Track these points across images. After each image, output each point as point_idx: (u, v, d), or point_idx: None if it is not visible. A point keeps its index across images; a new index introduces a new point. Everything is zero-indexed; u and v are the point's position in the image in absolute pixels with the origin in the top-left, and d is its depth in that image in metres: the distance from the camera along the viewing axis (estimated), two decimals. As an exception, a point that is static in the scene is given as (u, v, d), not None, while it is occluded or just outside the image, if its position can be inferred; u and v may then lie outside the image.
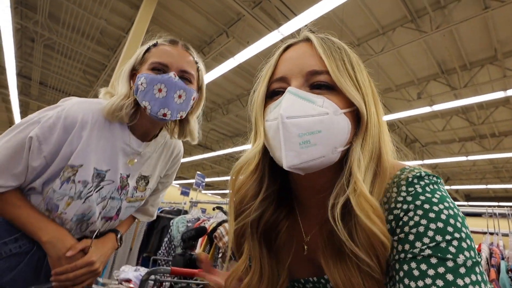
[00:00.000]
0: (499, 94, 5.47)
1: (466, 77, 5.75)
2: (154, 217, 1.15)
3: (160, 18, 5.61)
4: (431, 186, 0.42)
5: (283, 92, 0.45)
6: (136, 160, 0.90)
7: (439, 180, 0.44)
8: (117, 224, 0.99)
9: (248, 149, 0.49)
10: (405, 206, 0.40)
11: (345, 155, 0.45)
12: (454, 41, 5.05)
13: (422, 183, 0.42)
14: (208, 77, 6.31)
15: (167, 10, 5.48)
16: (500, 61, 5.22)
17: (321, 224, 0.49)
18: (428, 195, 0.40)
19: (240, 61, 5.57)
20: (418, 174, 0.43)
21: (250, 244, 0.51)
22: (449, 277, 0.34)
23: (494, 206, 1.68)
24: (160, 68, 0.82)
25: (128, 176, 0.90)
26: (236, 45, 5.58)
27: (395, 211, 0.41)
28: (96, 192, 0.83)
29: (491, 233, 1.62)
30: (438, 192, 0.41)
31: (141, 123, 0.88)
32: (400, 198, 0.42)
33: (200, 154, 12.03)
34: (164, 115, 0.81)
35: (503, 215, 1.65)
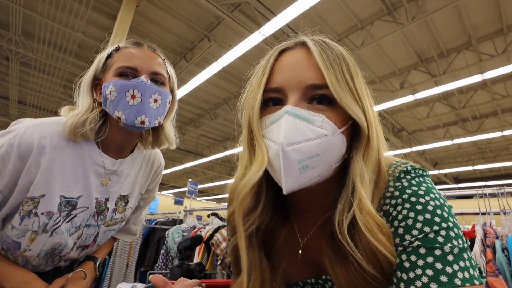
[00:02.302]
0: (476, 78, 5.66)
1: (444, 64, 5.91)
2: (137, 235, 1.07)
3: (138, 26, 5.55)
4: (416, 179, 0.43)
5: (280, 101, 0.45)
6: (110, 180, 0.80)
7: (425, 173, 0.45)
8: (95, 250, 0.90)
9: (248, 165, 0.47)
10: (393, 201, 0.42)
11: (343, 167, 0.45)
12: (430, 31, 5.18)
13: (408, 177, 0.43)
14: (193, 83, 6.28)
15: (146, 18, 5.42)
16: (474, 46, 5.39)
17: (319, 226, 0.50)
18: (414, 188, 0.41)
19: (224, 65, 5.57)
20: (404, 169, 0.44)
21: (249, 255, 0.48)
22: (438, 265, 0.35)
23: (483, 187, 1.73)
24: (128, 73, 0.73)
25: (107, 199, 0.81)
26: (218, 49, 5.56)
27: (385, 207, 0.43)
28: (67, 222, 0.74)
29: (483, 213, 1.66)
30: (423, 185, 0.42)
31: (112, 138, 0.79)
32: (388, 194, 0.43)
33: (192, 161, 11.93)
34: (142, 122, 0.72)
35: (492, 195, 1.70)
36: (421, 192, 0.40)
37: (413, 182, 0.42)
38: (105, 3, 5.18)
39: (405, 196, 0.41)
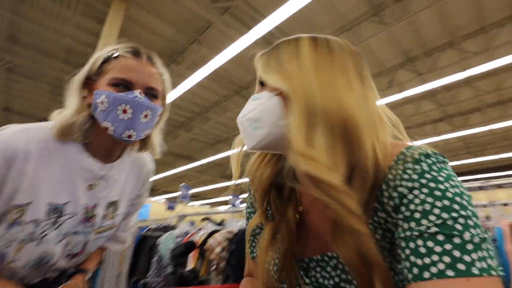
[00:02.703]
0: (460, 75, 5.82)
1: (430, 62, 6.07)
2: (127, 243, 1.03)
3: (128, 30, 5.51)
4: (437, 165, 0.43)
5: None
6: (98, 185, 0.78)
7: (445, 160, 0.45)
8: (84, 259, 0.86)
9: None
10: (410, 184, 0.41)
11: None
12: (415, 30, 5.32)
13: (428, 161, 0.43)
14: (184, 87, 6.27)
15: (135, 22, 5.39)
16: (458, 45, 5.56)
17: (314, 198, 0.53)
18: (434, 173, 0.41)
19: (215, 68, 5.58)
20: (425, 153, 0.44)
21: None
22: (456, 253, 0.35)
23: (471, 180, 1.77)
24: (124, 85, 0.72)
25: (95, 206, 0.79)
26: (209, 52, 5.58)
27: (400, 189, 0.42)
28: (55, 229, 0.71)
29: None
30: (444, 171, 0.42)
31: (100, 142, 0.77)
32: (406, 176, 0.42)
33: (184, 165, 11.85)
34: (130, 136, 0.72)
35: (480, 188, 1.75)
36: (441, 178, 0.40)
37: (434, 167, 0.42)
38: (93, 8, 5.13)
39: (424, 181, 0.40)
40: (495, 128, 8.59)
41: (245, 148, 0.60)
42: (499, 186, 1.82)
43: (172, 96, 6.61)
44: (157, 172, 13.54)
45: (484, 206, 1.73)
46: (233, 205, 4.09)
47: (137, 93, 0.72)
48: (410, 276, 0.37)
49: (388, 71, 6.54)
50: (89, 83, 0.77)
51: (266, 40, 5.28)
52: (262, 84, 0.56)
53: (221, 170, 14.01)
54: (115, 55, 0.76)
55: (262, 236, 0.58)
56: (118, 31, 4.59)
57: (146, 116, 0.73)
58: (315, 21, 5.03)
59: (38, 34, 5.55)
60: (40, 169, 0.68)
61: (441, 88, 7.02)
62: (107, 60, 0.76)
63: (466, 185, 1.78)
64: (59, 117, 0.73)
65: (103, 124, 0.72)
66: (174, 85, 6.35)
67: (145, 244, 3.35)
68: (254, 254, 0.64)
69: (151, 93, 0.77)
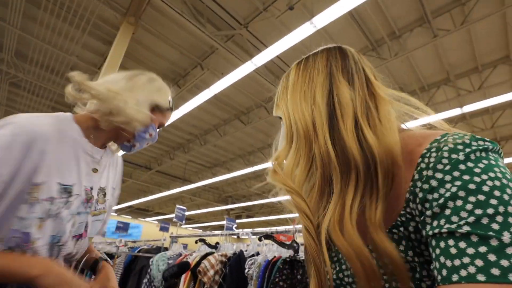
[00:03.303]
0: (456, 111, 5.96)
1: (426, 97, 6.23)
2: (103, 235, 1.16)
3: (133, 52, 5.68)
4: (477, 154, 0.37)
5: None
6: (97, 170, 0.86)
7: (491, 147, 0.38)
8: (87, 243, 0.90)
9: None
10: (441, 176, 0.37)
11: None
12: (411, 66, 5.53)
13: (467, 149, 0.38)
14: (184, 109, 6.36)
15: (140, 45, 5.57)
16: (453, 82, 5.76)
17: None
18: (470, 164, 0.36)
19: (216, 92, 5.70)
20: (462, 140, 0.39)
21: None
22: (491, 257, 0.30)
23: None
24: (160, 127, 0.99)
25: (91, 188, 0.85)
26: (211, 77, 5.73)
27: (431, 181, 0.38)
28: (66, 209, 0.76)
29: None
30: (483, 161, 0.36)
31: (105, 134, 0.88)
32: (440, 166, 0.38)
33: (179, 187, 11.72)
34: (126, 151, 0.98)
35: None
36: (477, 170, 0.35)
37: (471, 156, 0.37)
38: (102, 29, 5.33)
39: (457, 173, 0.36)
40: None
41: None
42: None
43: (172, 117, 6.69)
44: (151, 192, 13.36)
45: None
46: (229, 229, 3.99)
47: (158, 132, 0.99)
48: (439, 277, 0.34)
49: (385, 103, 6.69)
50: (152, 109, 0.94)
51: (267, 68, 5.45)
52: None
53: (217, 194, 13.83)
54: (171, 106, 1.01)
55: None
56: (123, 52, 4.72)
57: (147, 144, 0.98)
58: (315, 53, 5.22)
59: (45, 51, 5.70)
60: (53, 151, 0.73)
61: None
62: (167, 107, 0.98)
63: None
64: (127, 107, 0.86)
65: (134, 140, 0.92)
66: (175, 107, 6.44)
67: (135, 265, 3.27)
68: None
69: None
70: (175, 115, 6.60)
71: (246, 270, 2.16)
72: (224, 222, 4.34)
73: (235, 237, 3.22)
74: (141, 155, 10.34)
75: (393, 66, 5.45)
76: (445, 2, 4.33)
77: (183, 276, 2.61)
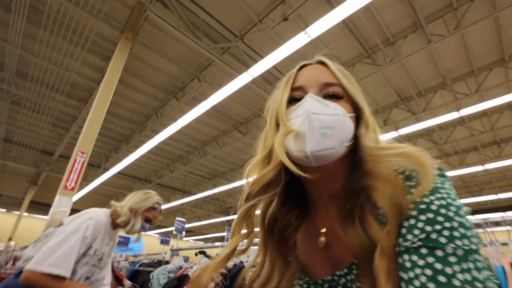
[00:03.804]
0: (453, 115, 5.98)
1: (423, 102, 6.26)
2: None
3: (132, 67, 5.75)
4: None
5: (300, 99, 0.54)
6: (109, 243, 1.62)
7: (439, 172, 0.45)
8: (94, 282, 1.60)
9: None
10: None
11: (349, 153, 0.52)
12: (407, 72, 5.57)
13: (419, 176, 0.44)
14: (183, 121, 6.39)
15: (139, 59, 5.65)
16: (449, 86, 5.79)
17: (335, 215, 0.53)
18: (419, 187, 0.41)
19: (214, 103, 5.74)
20: (413, 168, 0.45)
21: (265, 241, 0.57)
22: (438, 266, 0.35)
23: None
24: (149, 221, 1.71)
25: (103, 253, 1.56)
26: (208, 88, 5.77)
27: None
28: (92, 259, 1.48)
29: None
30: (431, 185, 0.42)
31: (114, 222, 1.62)
32: None
33: (179, 199, 11.65)
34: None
35: (478, 225, 1.73)
36: (426, 192, 0.40)
37: (421, 180, 0.42)
38: (101, 46, 5.40)
39: (409, 197, 0.41)
40: (491, 168, 8.61)
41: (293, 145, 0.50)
42: (497, 224, 1.79)
43: (170, 130, 6.71)
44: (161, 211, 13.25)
45: (484, 245, 1.70)
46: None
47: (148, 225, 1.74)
48: None
49: (383, 109, 6.72)
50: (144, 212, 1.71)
51: (264, 78, 5.50)
52: (329, 96, 0.54)
53: (217, 205, 13.75)
54: (155, 207, 1.74)
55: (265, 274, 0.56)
56: (122, 67, 4.78)
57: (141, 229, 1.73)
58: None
59: (45, 69, 5.77)
60: (102, 234, 1.52)
61: (436, 127, 7.16)
62: (154, 208, 1.74)
63: None
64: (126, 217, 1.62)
65: (130, 228, 1.63)
66: (173, 119, 6.48)
67: (137, 280, 3.24)
68: None
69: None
70: (173, 128, 6.63)
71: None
72: (225, 234, 4.29)
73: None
74: (141, 168, 10.33)
75: (389, 72, 5.50)
76: (438, 8, 4.40)
77: (184, 290, 2.58)
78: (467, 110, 5.80)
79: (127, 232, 1.60)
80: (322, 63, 0.61)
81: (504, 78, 5.47)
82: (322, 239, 0.55)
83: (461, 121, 6.96)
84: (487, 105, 5.50)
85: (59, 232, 1.32)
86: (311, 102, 0.50)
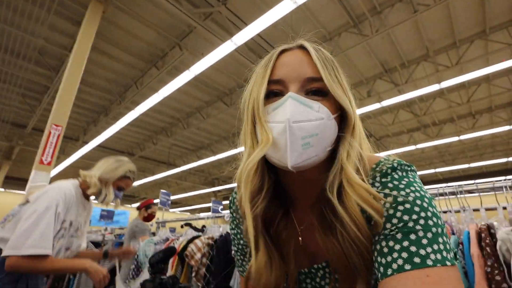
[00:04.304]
0: (434, 87, 6.09)
1: (406, 74, 6.31)
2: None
3: (106, 33, 5.37)
4: (399, 173, 0.46)
5: (280, 93, 0.50)
6: (83, 213, 1.57)
7: (409, 168, 0.48)
8: (70, 254, 1.57)
9: (251, 151, 0.50)
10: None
11: (331, 153, 0.49)
12: (392, 43, 5.53)
13: (393, 173, 0.47)
14: (164, 92, 6.16)
15: (113, 25, 5.26)
16: (432, 58, 5.83)
17: (312, 213, 0.53)
18: (396, 182, 0.45)
19: (196, 73, 5.53)
20: (391, 166, 0.47)
21: (256, 237, 0.53)
22: (413, 248, 0.38)
23: (444, 187, 1.83)
24: (121, 190, 1.63)
25: (82, 223, 1.55)
26: (190, 58, 5.52)
27: None
28: (69, 231, 1.44)
29: (445, 212, 1.76)
30: (405, 179, 0.45)
31: (85, 193, 1.57)
32: (374, 189, 0.45)
33: (164, 172, 11.59)
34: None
35: (452, 193, 1.81)
36: (401, 186, 0.44)
37: (396, 176, 0.46)
38: (69, 9, 4.96)
39: (387, 191, 0.44)
40: (465, 139, 9.02)
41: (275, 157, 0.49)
42: (470, 192, 1.89)
43: (152, 101, 6.47)
44: (136, 178, 13.16)
45: (457, 211, 1.79)
46: (215, 211, 4.00)
47: (122, 194, 1.68)
48: (379, 275, 0.40)
49: (367, 81, 6.74)
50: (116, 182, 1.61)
51: (248, 47, 5.30)
52: (314, 91, 0.49)
53: (202, 177, 13.82)
54: (127, 175, 1.63)
55: (257, 264, 0.52)
56: (94, 33, 4.44)
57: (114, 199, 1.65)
58: (296, 30, 5.08)
59: (8, 34, 5.29)
60: (74, 206, 1.47)
61: (417, 99, 7.30)
62: (125, 176, 1.62)
63: (440, 191, 1.84)
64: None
65: (104, 199, 1.56)
66: (154, 90, 6.23)
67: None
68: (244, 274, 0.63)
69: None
70: (155, 99, 6.40)
71: (234, 251, 2.17)
72: (211, 204, 4.35)
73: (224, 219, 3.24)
74: (122, 141, 10.07)
75: (374, 43, 5.44)
76: (425, -24, 4.29)
77: (170, 261, 2.62)
78: (447, 82, 5.91)
79: (101, 203, 1.56)
80: (304, 48, 0.54)
81: (483, 50, 5.55)
82: (300, 238, 0.56)
83: (440, 93, 7.12)
84: (466, 78, 5.62)
85: (30, 213, 1.27)
86: (293, 107, 0.46)
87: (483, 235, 1.44)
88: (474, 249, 1.42)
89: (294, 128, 0.44)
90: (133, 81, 6.84)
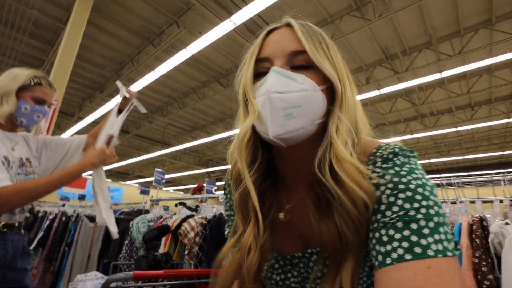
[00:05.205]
0: (435, 76, 6.03)
1: (407, 61, 6.23)
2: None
3: (102, 7, 5.20)
4: (401, 159, 0.45)
5: (266, 71, 0.50)
6: (16, 146, 1.31)
7: (411, 154, 0.46)
8: None
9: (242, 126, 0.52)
10: (375, 181, 0.43)
11: (323, 129, 0.49)
12: (395, 28, 5.41)
13: (395, 159, 0.45)
14: (161, 70, 6.05)
15: (110, -1, 5.09)
16: (434, 46, 5.73)
17: (304, 194, 0.53)
18: (397, 168, 0.43)
19: (193, 52, 5.42)
20: (392, 151, 0.46)
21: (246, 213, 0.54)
22: (414, 238, 0.37)
23: (441, 177, 1.84)
24: (40, 101, 1.29)
25: (21, 158, 1.29)
26: (188, 36, 5.38)
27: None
28: (11, 170, 1.20)
29: (442, 202, 1.79)
30: (407, 165, 0.44)
31: (4, 125, 1.28)
32: (374, 174, 0.44)
33: (159, 151, 11.59)
34: (32, 127, 1.33)
35: (449, 184, 1.83)
36: (403, 173, 0.42)
37: (397, 162, 0.44)
38: (63, -21, 4.78)
39: (388, 177, 0.42)
40: (462, 130, 9.05)
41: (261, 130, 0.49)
42: (467, 184, 1.91)
43: (148, 79, 6.37)
44: (130, 156, 13.17)
45: (453, 202, 1.82)
46: (209, 192, 4.03)
47: (46, 107, 1.31)
48: (376, 263, 0.39)
49: (367, 67, 6.65)
50: (18, 93, 1.25)
51: (247, 28, 5.17)
52: (297, 67, 0.49)
53: (197, 157, 13.85)
54: (38, 82, 1.29)
55: (244, 237, 0.52)
56: (90, 6, 4.30)
57: (45, 120, 1.35)
58: (297, 12, 4.93)
59: (3, 4, 5.10)
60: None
61: (416, 87, 7.25)
62: (34, 84, 1.28)
63: (437, 181, 1.86)
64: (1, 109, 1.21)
65: (19, 119, 1.26)
66: (151, 68, 6.12)
67: (117, 227, 3.30)
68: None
69: (50, 106, 1.34)
70: (151, 77, 6.29)
71: (226, 232, 2.21)
72: (204, 185, 4.38)
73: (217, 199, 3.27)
74: (119, 119, 9.99)
75: (377, 27, 5.32)
76: (433, -41, 4.15)
77: (163, 238, 2.67)
78: (449, 72, 5.85)
79: (24, 127, 1.31)
80: (291, 26, 0.53)
81: (488, 40, 5.46)
82: (282, 215, 0.54)
83: (440, 82, 7.06)
84: (469, 67, 5.56)
85: None
86: (274, 79, 0.46)
87: (474, 227, 1.48)
88: (464, 240, 1.46)
89: (273, 99, 0.45)
90: (129, 58, 6.69)
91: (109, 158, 1.38)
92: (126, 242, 2.97)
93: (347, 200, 0.42)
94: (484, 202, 1.75)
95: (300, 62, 0.49)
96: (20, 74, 1.27)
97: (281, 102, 0.45)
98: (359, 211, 0.42)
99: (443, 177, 1.88)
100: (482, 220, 1.50)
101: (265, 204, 0.54)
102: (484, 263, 1.37)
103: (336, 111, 0.48)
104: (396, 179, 0.42)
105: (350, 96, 0.50)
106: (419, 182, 0.41)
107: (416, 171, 0.43)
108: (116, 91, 7.21)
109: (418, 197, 0.39)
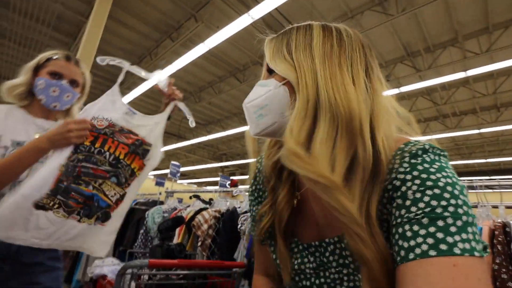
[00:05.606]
0: (459, 75, 5.79)
1: (430, 59, 6.00)
2: None
3: (122, 1, 5.28)
4: (431, 156, 0.44)
5: None
6: (40, 134, 1.20)
7: (442, 153, 0.46)
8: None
9: None
10: (403, 176, 0.43)
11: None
12: (418, 24, 5.22)
13: (424, 155, 0.44)
14: (178, 64, 6.10)
15: (130, -7, 5.16)
16: (460, 43, 5.49)
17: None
18: (426, 165, 0.42)
19: (211, 47, 5.43)
20: (422, 147, 0.45)
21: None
22: (440, 235, 0.36)
23: (465, 180, 1.78)
24: (56, 75, 1.19)
25: None
26: (205, 30, 5.40)
27: (395, 181, 0.44)
28: None
29: None
30: (437, 163, 0.43)
31: (35, 110, 1.23)
32: (401, 169, 0.44)
33: (174, 144, 11.77)
34: (55, 106, 1.19)
35: (471, 187, 1.77)
36: (432, 170, 0.41)
37: (427, 159, 0.43)
38: (86, -27, 4.88)
39: (415, 173, 0.42)
40: (485, 132, 8.68)
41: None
42: (489, 187, 1.83)
43: (165, 73, 6.44)
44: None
45: (474, 206, 1.76)
46: (223, 186, 4.06)
47: (64, 82, 1.19)
48: (398, 258, 0.39)
49: (387, 64, 6.46)
50: (35, 71, 1.20)
51: (265, 22, 5.13)
52: (271, 71, 0.55)
53: (211, 151, 13.97)
54: (54, 57, 1.22)
55: (279, 199, 0.58)
56: (111, 1, 4.37)
57: (68, 96, 1.21)
58: (316, 6, 4.87)
59: (28, -3, 5.29)
60: (6, 120, 1.14)
61: (439, 86, 6.99)
62: (49, 59, 1.21)
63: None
64: (9, 82, 1.17)
65: (39, 97, 1.17)
66: (168, 61, 6.18)
67: (133, 217, 3.40)
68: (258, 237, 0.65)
69: (73, 84, 1.23)
70: (168, 71, 6.36)
71: (239, 226, 2.23)
72: (218, 179, 4.41)
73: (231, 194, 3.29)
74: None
75: (399, 23, 5.14)
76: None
77: (177, 229, 2.72)
78: (475, 71, 5.59)
79: (47, 106, 1.19)
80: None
81: (518, 38, 5.17)
82: (295, 201, 0.58)
83: (465, 81, 6.78)
84: (496, 66, 5.29)
85: None
86: (252, 92, 0.55)
87: (496, 232, 1.41)
88: (484, 245, 1.40)
89: (248, 107, 0.55)
90: (148, 52, 6.79)
91: (76, 132, 0.99)
92: (142, 231, 3.04)
93: (314, 186, 0.43)
94: (507, 207, 1.68)
95: (270, 69, 0.55)
96: (39, 57, 1.23)
97: (253, 107, 0.54)
98: (330, 197, 0.42)
99: (464, 180, 1.81)
100: (505, 225, 1.43)
101: (279, 184, 0.60)
102: (504, 270, 1.31)
103: (291, 101, 0.50)
104: (424, 176, 0.41)
105: (308, 82, 0.48)
106: (449, 180, 0.40)
107: (446, 170, 0.42)
108: (134, 84, 7.35)
109: (446, 195, 0.38)
